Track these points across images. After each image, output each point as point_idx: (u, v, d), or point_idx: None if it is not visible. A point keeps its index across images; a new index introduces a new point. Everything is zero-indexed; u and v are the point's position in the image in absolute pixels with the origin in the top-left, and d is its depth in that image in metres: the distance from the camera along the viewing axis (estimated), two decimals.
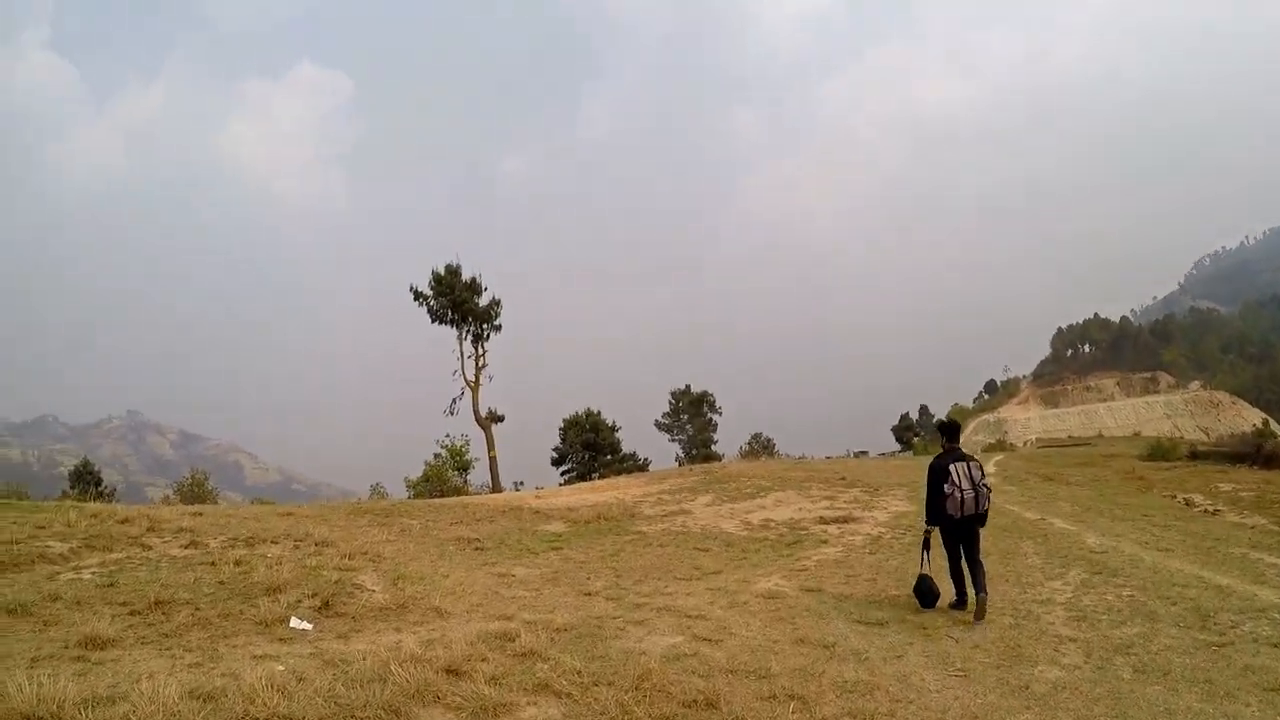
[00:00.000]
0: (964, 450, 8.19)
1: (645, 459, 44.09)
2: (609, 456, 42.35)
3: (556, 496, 20.71)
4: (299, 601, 7.61)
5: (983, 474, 7.84)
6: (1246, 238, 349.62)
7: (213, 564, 9.12)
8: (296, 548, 10.61)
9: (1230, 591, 8.57)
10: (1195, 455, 34.20)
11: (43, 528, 10.35)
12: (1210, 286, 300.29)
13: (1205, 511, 17.17)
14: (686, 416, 55.75)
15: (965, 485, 7.67)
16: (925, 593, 8.03)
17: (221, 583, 8.31)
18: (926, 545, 8.15)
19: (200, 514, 13.34)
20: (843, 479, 22.39)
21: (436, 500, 20.51)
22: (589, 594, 8.50)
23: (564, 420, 43.68)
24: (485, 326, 36.49)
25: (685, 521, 15.06)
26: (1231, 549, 11.75)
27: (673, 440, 55.60)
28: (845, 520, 14.77)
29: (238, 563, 9.27)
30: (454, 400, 36.07)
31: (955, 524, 7.83)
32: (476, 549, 11.43)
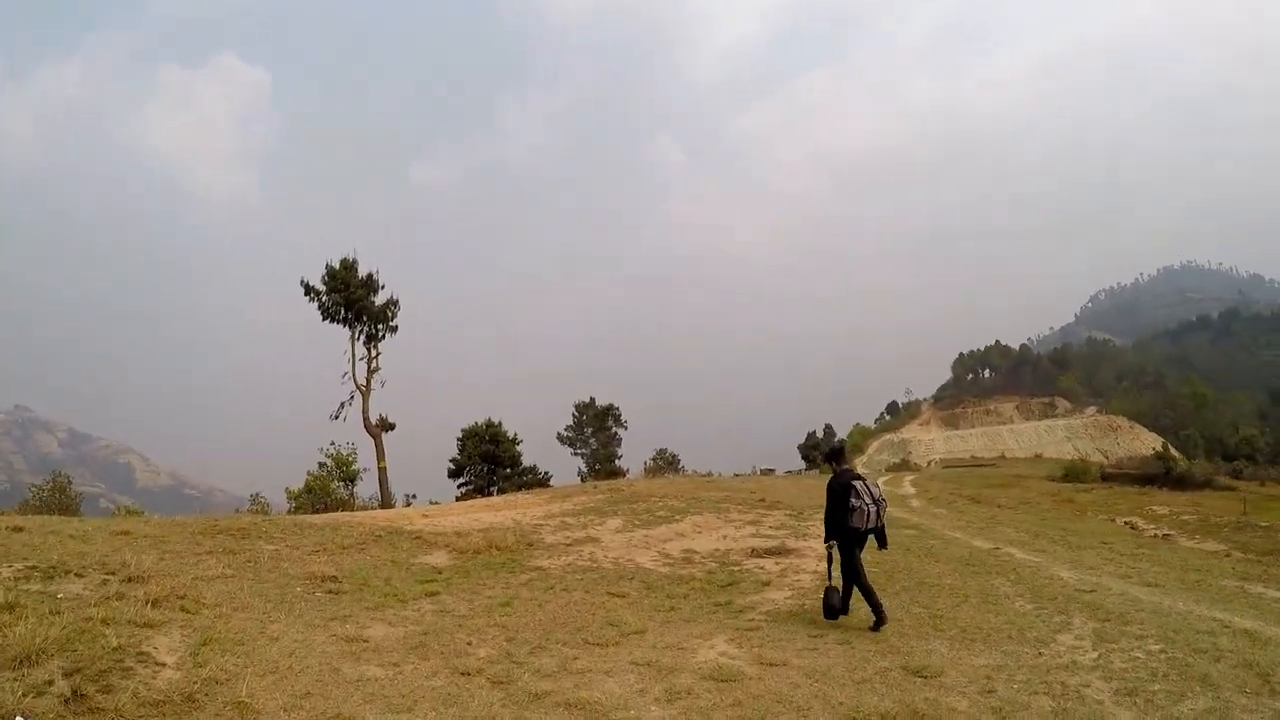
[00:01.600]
0: (854, 471, 8.96)
1: (547, 473, 42.03)
2: (509, 470, 39.98)
3: (446, 516, 18.44)
4: (49, 682, 5.42)
5: (880, 490, 8.60)
6: (1140, 275, 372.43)
7: None
8: (103, 584, 8.36)
9: (1264, 639, 7.55)
10: (1106, 477, 34.66)
11: None
12: (1105, 320, 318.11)
13: (1155, 536, 16.55)
14: (590, 430, 53.61)
15: (869, 500, 8.33)
16: (831, 606, 8.53)
17: None
18: (830, 560, 8.79)
19: (20, 529, 10.94)
20: (762, 500, 21.00)
21: (309, 517, 17.92)
22: (467, 673, 6.36)
23: (462, 430, 41.13)
24: (380, 327, 33.62)
25: (594, 553, 13.12)
26: (1220, 580, 11.02)
27: (576, 454, 53.36)
28: (781, 553, 13.13)
29: (11, 606, 6.95)
30: (342, 405, 33.03)
31: (859, 536, 8.45)
32: (330, 591, 9.13)
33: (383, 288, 33.92)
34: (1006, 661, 6.98)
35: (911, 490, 31.47)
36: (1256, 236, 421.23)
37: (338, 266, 33.25)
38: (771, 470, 70.04)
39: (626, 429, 54.14)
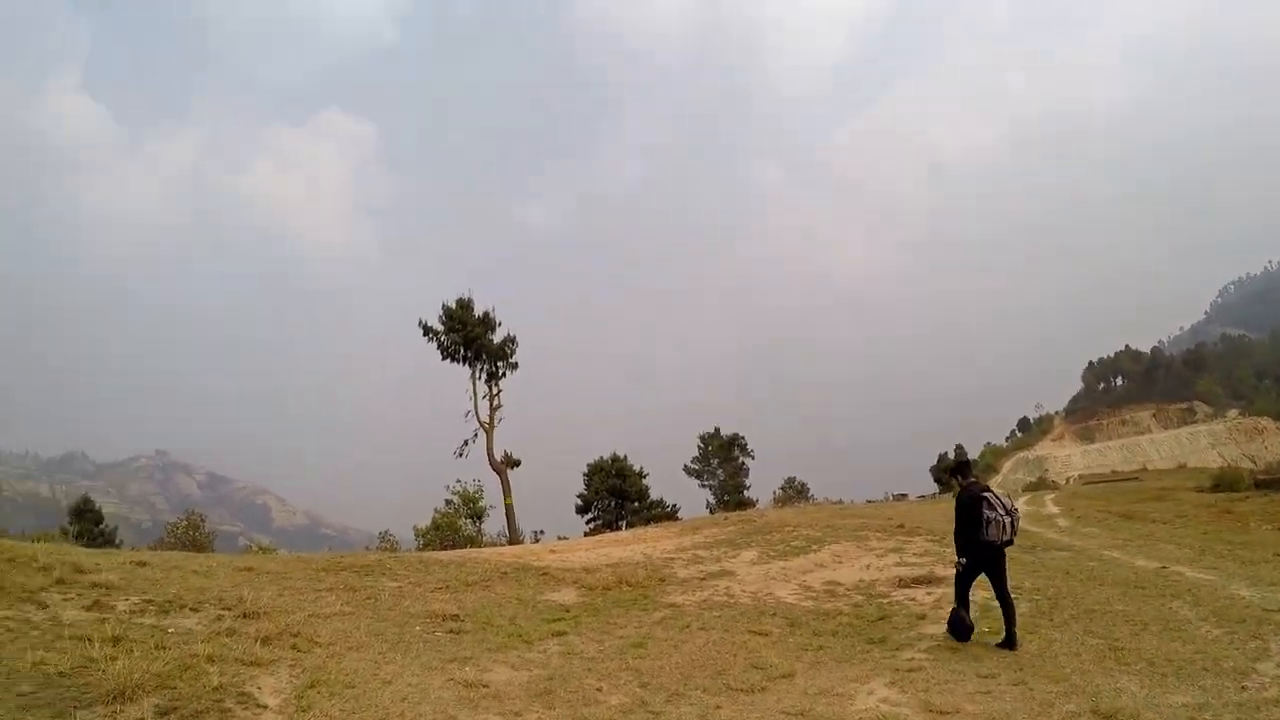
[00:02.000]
0: (982, 484, 8.43)
1: (674, 506, 40.96)
2: (636, 504, 39.22)
3: (574, 551, 17.75)
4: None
5: (1012, 501, 8.12)
6: (1270, 263, 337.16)
7: (85, 639, 6.51)
8: (217, 619, 8.01)
9: None
10: (1260, 484, 31.19)
11: None
12: (1237, 313, 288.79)
13: None
14: (716, 461, 52.10)
15: (1002, 511, 7.85)
16: (960, 626, 8.12)
17: (61, 674, 5.69)
18: (959, 579, 8.31)
19: (145, 564, 10.90)
20: (900, 526, 19.33)
21: (435, 554, 17.58)
22: None
23: (588, 466, 40.71)
24: (500, 364, 33.82)
25: (729, 587, 12.03)
26: None
27: (703, 486, 51.84)
28: (929, 581, 11.76)
29: (116, 640, 6.62)
30: (465, 442, 33.26)
31: (992, 551, 7.96)
32: (452, 631, 8.41)
33: (499, 325, 34.15)
34: (1208, 699, 6.12)
35: (1055, 509, 28.80)
36: None
37: (454, 306, 33.66)
38: (904, 495, 66.87)
39: (753, 459, 52.52)
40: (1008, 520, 7.84)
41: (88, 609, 7.94)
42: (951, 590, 10.76)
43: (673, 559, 15.08)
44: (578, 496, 40.23)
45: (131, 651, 6.39)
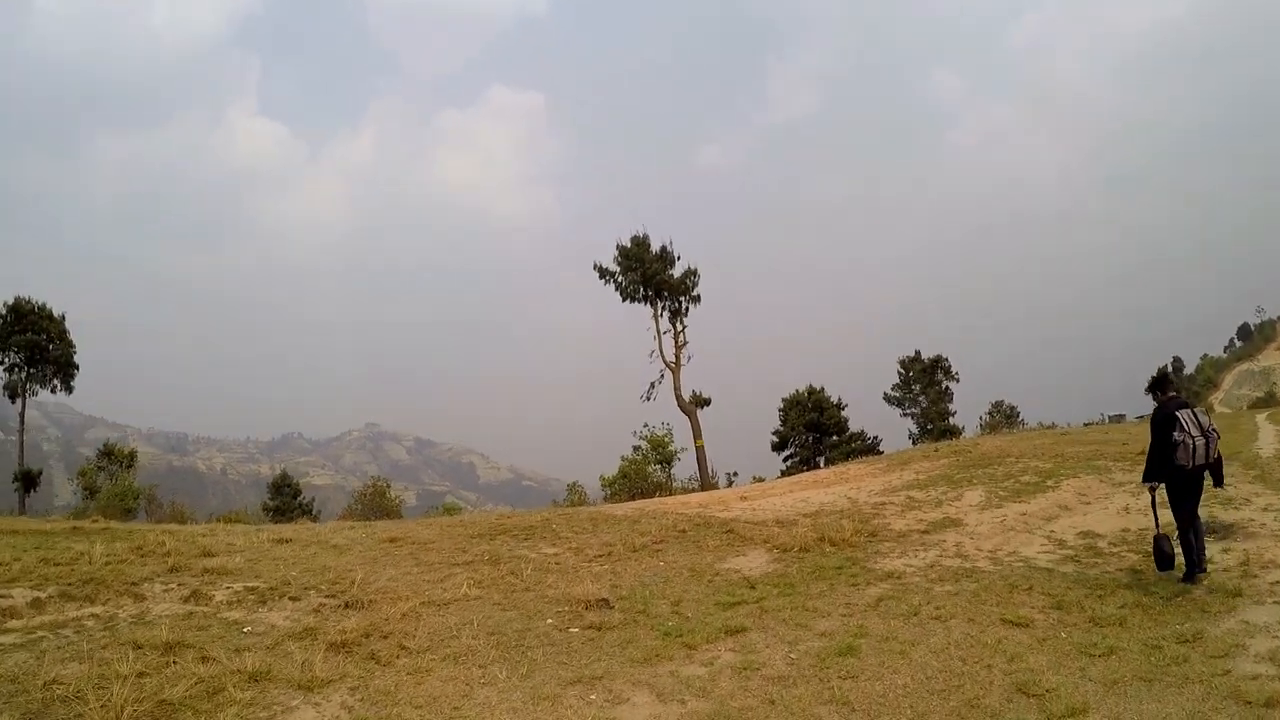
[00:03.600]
0: (1181, 399, 7.73)
1: (877, 438, 37.67)
2: (835, 438, 36.20)
3: (767, 496, 15.45)
4: None
5: (1209, 420, 7.38)
6: None
7: (135, 645, 5.53)
8: (315, 611, 6.68)
9: None
10: None
11: (49, 560, 8.18)
12: None
13: None
14: (919, 387, 47.01)
15: (1195, 432, 7.15)
16: (1164, 554, 7.29)
17: (66, 698, 4.58)
18: (1154, 503, 7.61)
19: (287, 540, 10.14)
20: (1142, 453, 15.51)
21: (612, 508, 15.85)
22: None
23: (783, 400, 37.97)
24: (683, 300, 31.46)
25: (960, 543, 9.32)
26: None
27: (905, 415, 46.72)
28: (1217, 531, 8.76)
29: (170, 647, 5.45)
30: (652, 385, 31.31)
31: (1186, 475, 7.22)
32: (592, 626, 6.31)
33: (679, 258, 31.79)
34: None
35: None
36: None
37: (630, 244, 31.65)
38: (1121, 416, 59.17)
39: (958, 382, 47.33)
40: (1202, 442, 7.15)
41: (185, 600, 7.03)
42: (1262, 546, 8.25)
43: (883, 504, 12.46)
44: (773, 433, 37.74)
45: (171, 664, 4.93)
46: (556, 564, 8.74)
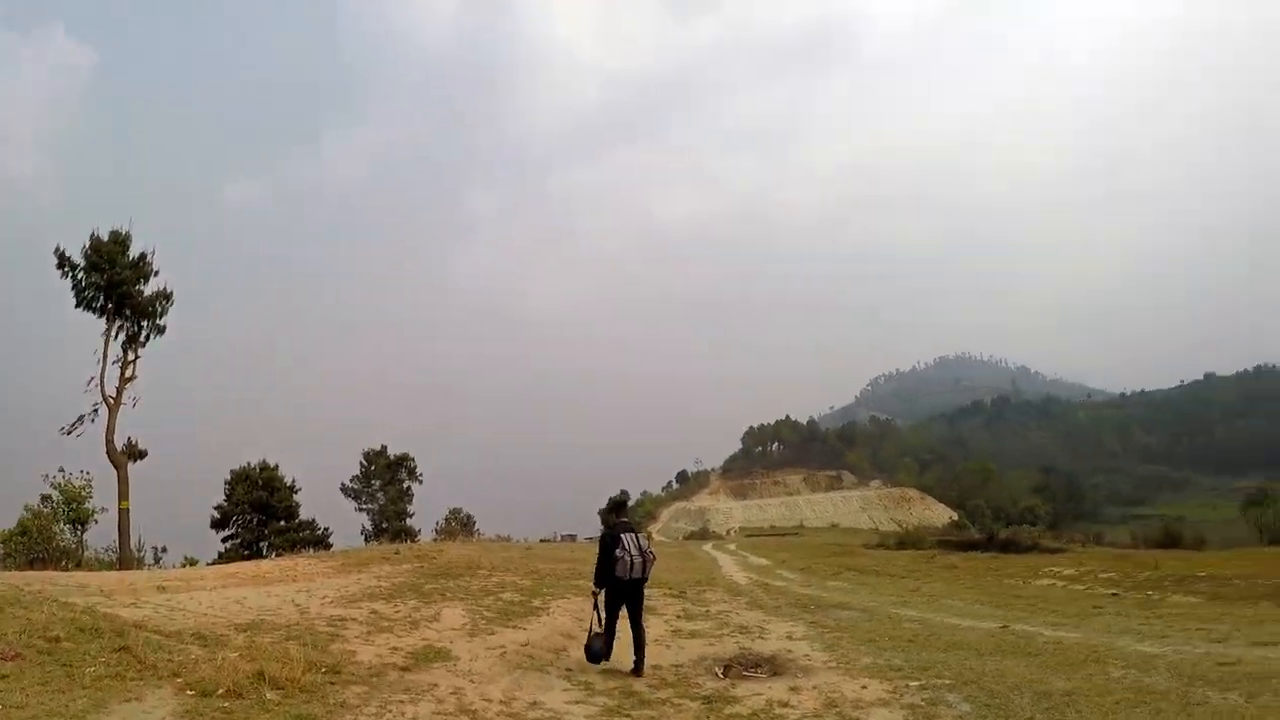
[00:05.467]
0: (631, 524, 9.21)
1: (327, 529, 35.85)
2: (283, 523, 33.43)
3: (193, 589, 12.85)
4: None
5: (649, 543, 8.91)
6: (918, 362, 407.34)
7: None
8: None
9: None
10: (941, 544, 34.73)
11: None
12: (883, 403, 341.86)
13: (1116, 597, 15.93)
14: (379, 483, 46.72)
15: (634, 551, 8.59)
16: (596, 652, 8.60)
17: None
18: (597, 606, 8.83)
19: None
20: None
21: None
22: None
23: (231, 472, 34.22)
24: (144, 324, 26.37)
25: (459, 689, 7.48)
26: None
27: (361, 509, 45.60)
28: (765, 667, 8.88)
29: None
30: (81, 419, 25.37)
31: (623, 585, 8.68)
32: None
33: (156, 274, 26.77)
34: None
35: (764, 560, 28.69)
36: (1026, 333, 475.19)
37: (106, 239, 25.89)
38: (574, 536, 66.54)
39: (421, 483, 47.83)
40: (640, 560, 8.59)
41: None
42: (806, 682, 8.37)
43: (343, 618, 10.75)
44: (215, 508, 33.55)
45: None
46: None
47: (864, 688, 7.53)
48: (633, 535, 8.78)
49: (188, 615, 10.08)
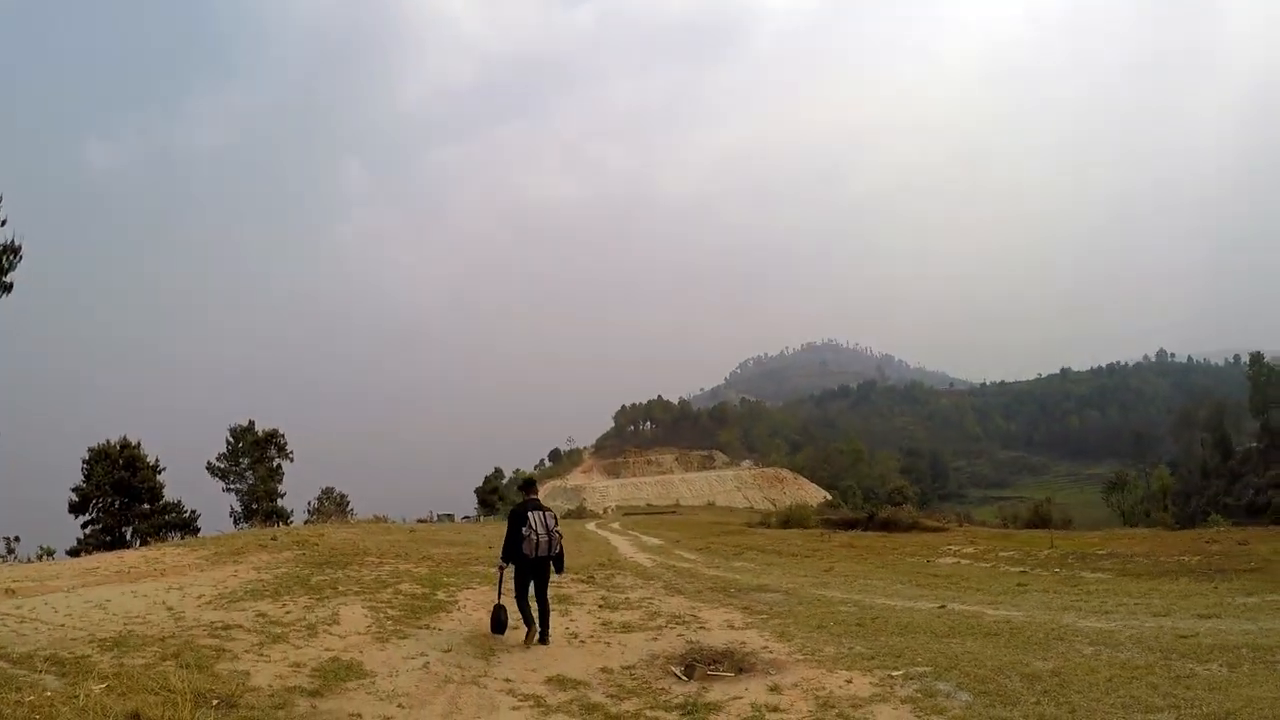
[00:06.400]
0: (540, 502, 9.38)
1: (195, 512, 33.52)
2: (148, 506, 30.76)
3: (47, 590, 11.13)
4: None
5: (556, 522, 9.17)
6: (786, 348, 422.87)
7: None
8: None
9: None
10: (826, 523, 35.63)
11: None
12: (753, 385, 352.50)
13: (1026, 573, 15.88)
14: (248, 460, 43.55)
15: (540, 530, 8.84)
16: (499, 621, 9.18)
17: None
18: (500, 580, 9.34)
19: None
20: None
21: None
22: None
23: (90, 450, 31.08)
24: None
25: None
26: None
27: (229, 489, 42.59)
28: (730, 662, 7.99)
29: None
30: None
31: (530, 563, 8.96)
32: None
33: (4, 223, 23.31)
34: None
35: (658, 540, 28.26)
36: (892, 324, 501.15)
37: None
38: (450, 516, 65.02)
39: (292, 461, 44.91)
40: (545, 539, 8.87)
41: None
42: (778, 681, 7.53)
43: (227, 625, 8.99)
44: (73, 489, 30.56)
45: None
46: None
47: (849, 682, 6.90)
48: (540, 514, 8.99)
49: (40, 628, 8.47)
